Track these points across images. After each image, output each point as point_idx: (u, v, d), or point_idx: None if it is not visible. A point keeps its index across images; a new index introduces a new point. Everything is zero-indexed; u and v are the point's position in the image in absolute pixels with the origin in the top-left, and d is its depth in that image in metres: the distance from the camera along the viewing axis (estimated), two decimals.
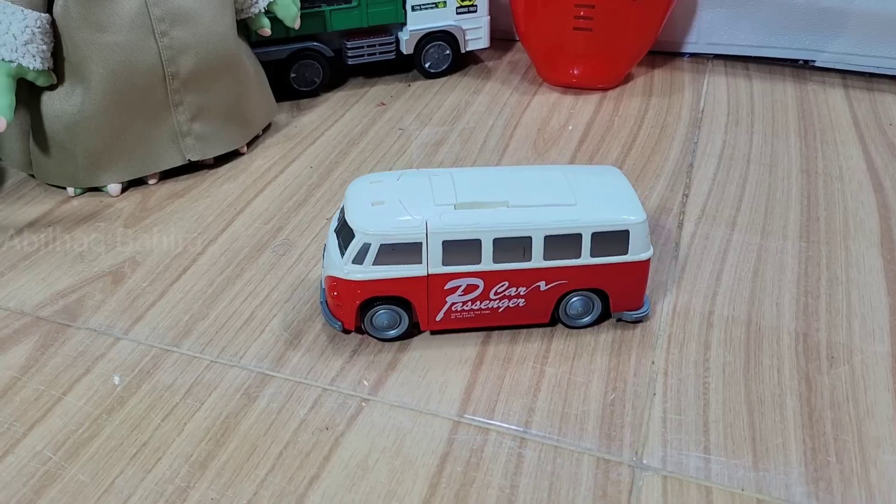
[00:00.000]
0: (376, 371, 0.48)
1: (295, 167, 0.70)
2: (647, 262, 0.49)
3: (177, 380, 0.48)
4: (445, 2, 0.82)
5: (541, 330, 0.51)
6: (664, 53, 0.91)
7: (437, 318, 0.49)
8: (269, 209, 0.64)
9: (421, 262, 0.47)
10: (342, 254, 0.47)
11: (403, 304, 0.49)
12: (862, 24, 0.82)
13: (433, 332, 0.51)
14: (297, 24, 0.73)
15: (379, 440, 0.43)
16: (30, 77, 0.60)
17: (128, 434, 0.44)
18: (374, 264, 0.47)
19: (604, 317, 0.51)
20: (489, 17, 0.85)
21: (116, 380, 0.48)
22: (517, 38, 0.89)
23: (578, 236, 0.47)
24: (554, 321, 0.51)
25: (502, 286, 0.48)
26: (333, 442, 0.43)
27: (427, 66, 0.85)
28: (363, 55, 0.82)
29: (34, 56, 0.59)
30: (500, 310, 0.49)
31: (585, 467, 0.42)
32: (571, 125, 0.77)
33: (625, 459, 0.42)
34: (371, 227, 0.46)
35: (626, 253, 0.48)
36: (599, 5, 0.77)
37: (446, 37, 0.84)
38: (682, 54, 0.91)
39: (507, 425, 0.44)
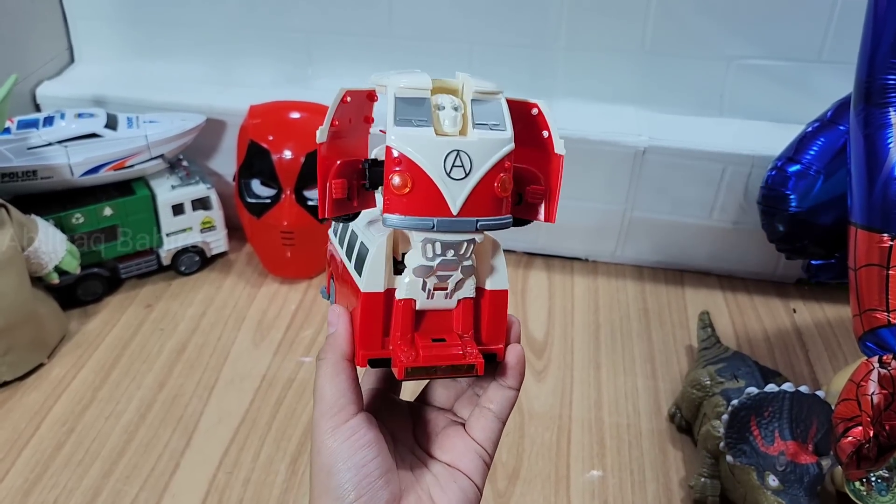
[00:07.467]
0: None
1: (83, 373, 1.02)
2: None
3: None
4: (192, 227, 1.16)
5: None
6: None
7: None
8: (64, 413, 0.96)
9: None
10: None
11: None
12: None
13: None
14: (77, 271, 1.05)
15: None
16: None
17: None
18: None
19: None
20: (226, 230, 1.20)
21: None
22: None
23: None
24: None
25: None
26: None
27: (182, 269, 1.19)
28: (132, 270, 1.15)
29: None
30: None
31: None
32: (282, 315, 1.13)
33: None
34: None
35: None
36: (297, 231, 1.14)
37: (195, 248, 1.18)
38: None
39: None
